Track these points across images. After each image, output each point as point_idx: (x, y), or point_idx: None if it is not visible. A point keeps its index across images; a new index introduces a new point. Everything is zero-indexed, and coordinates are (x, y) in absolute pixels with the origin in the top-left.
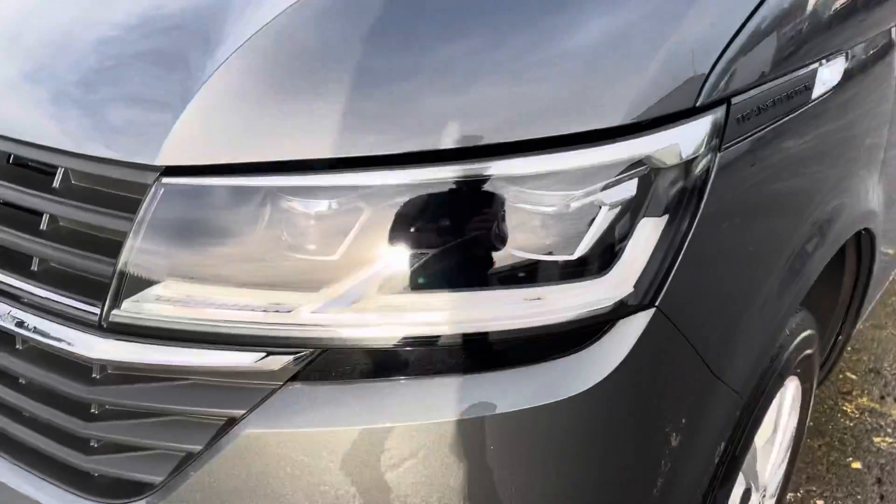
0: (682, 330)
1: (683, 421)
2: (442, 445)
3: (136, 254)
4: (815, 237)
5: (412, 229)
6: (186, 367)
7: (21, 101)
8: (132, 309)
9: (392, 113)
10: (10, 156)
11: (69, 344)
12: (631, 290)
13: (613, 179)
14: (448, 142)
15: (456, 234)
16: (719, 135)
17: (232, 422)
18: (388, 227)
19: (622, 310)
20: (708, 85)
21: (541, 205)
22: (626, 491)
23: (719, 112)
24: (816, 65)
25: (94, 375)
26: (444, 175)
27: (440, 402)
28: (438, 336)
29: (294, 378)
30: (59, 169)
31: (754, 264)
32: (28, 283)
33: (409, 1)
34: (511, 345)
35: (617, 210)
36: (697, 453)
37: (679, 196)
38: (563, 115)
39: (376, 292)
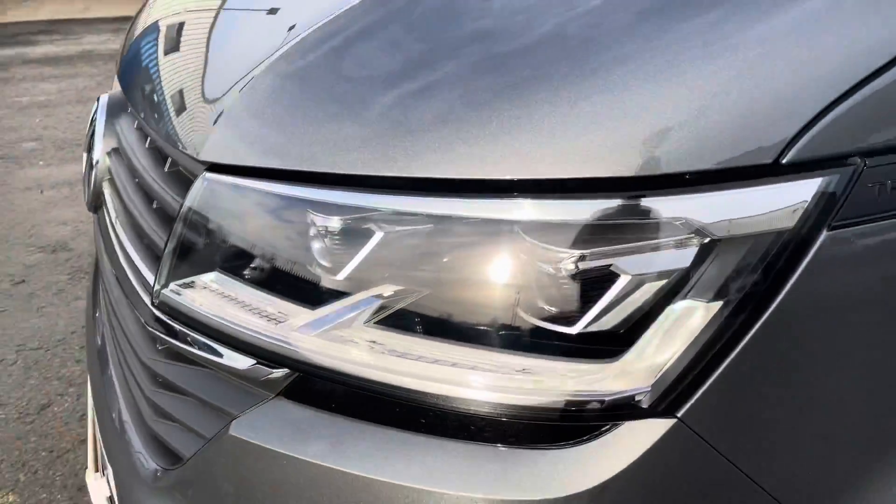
0: (731, 457)
1: None
2: None
3: (180, 240)
4: None
5: (414, 264)
6: (202, 359)
7: (157, 103)
8: (175, 291)
9: (420, 138)
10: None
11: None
12: (646, 387)
13: (641, 244)
14: (465, 172)
15: (454, 278)
16: (831, 206)
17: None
18: (393, 257)
19: (628, 410)
20: (809, 136)
21: (547, 261)
22: None
23: (833, 176)
24: None
25: (157, 346)
26: (445, 210)
27: (400, 460)
28: (410, 389)
29: (284, 393)
30: (168, 158)
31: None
32: (136, 255)
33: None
34: (487, 419)
35: (643, 282)
36: None
37: (744, 280)
38: (579, 157)
39: (361, 324)
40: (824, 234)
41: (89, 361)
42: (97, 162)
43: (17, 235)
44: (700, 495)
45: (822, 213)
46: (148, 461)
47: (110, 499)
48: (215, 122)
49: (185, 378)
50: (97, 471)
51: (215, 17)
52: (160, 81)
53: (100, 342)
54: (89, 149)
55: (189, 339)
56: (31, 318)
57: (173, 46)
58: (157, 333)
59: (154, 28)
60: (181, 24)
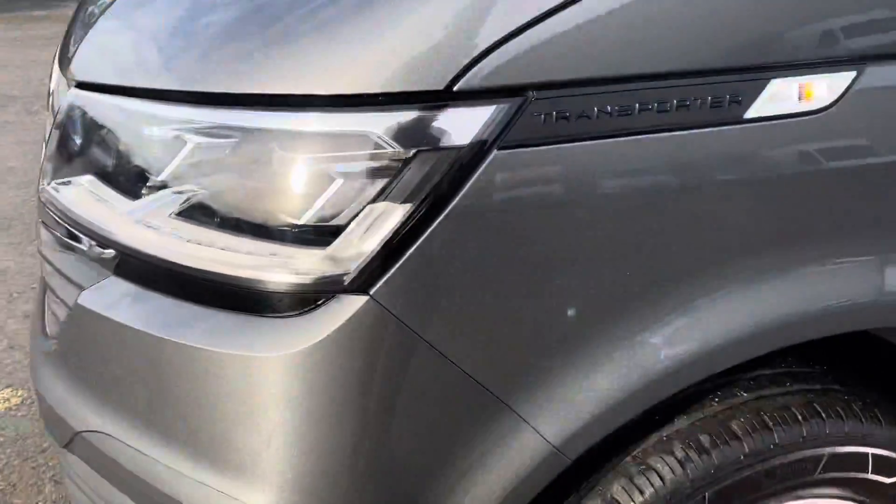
0: (421, 332)
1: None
2: (173, 360)
3: (55, 145)
4: None
5: (211, 167)
6: (70, 245)
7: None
8: (55, 189)
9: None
10: None
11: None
12: (349, 270)
13: (349, 153)
14: (242, 89)
15: (234, 180)
16: (500, 131)
17: None
18: (198, 161)
19: (335, 287)
20: (479, 68)
21: (281, 165)
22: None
23: (504, 105)
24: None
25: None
26: (233, 121)
27: (184, 324)
28: (203, 270)
29: (116, 272)
30: None
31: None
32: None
33: None
34: (246, 292)
35: (350, 185)
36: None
37: (429, 187)
38: (292, 73)
39: (167, 215)
40: (494, 154)
41: None
42: (52, 91)
43: None
44: (396, 361)
45: (491, 135)
46: (45, 332)
47: None
48: (78, 48)
49: (65, 262)
50: None
51: None
52: (78, 19)
53: None
54: (50, 80)
55: (61, 228)
56: None
57: None
58: (44, 225)
59: None
60: None
